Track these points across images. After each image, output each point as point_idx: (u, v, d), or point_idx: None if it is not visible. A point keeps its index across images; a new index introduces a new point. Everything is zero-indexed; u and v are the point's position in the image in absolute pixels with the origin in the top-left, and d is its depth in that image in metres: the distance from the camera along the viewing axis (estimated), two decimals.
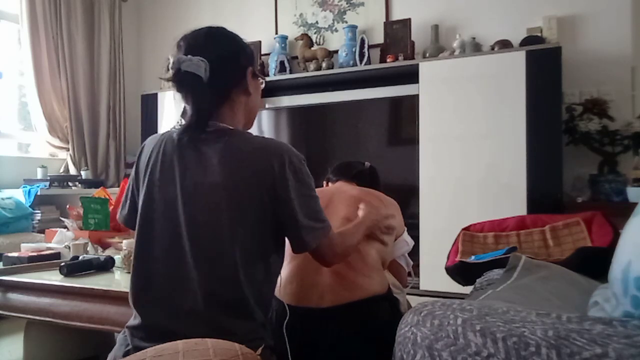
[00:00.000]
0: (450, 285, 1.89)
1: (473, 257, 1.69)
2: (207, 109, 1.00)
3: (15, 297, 1.65)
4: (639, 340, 0.56)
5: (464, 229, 1.94)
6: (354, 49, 3.55)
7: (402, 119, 3.55)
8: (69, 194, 3.59)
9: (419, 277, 3.07)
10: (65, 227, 2.32)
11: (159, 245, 1.00)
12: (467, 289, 1.58)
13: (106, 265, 1.75)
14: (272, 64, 3.86)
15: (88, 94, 4.18)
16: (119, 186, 3.89)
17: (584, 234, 1.63)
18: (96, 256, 1.80)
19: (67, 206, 2.48)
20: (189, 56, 0.97)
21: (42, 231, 3.02)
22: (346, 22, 3.83)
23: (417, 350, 0.71)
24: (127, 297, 1.03)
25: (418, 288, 3.05)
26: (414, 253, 2.00)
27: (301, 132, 3.98)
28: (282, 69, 3.80)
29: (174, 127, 1.06)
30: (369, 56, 3.52)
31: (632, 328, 0.59)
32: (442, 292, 2.75)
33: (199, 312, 0.95)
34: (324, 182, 1.68)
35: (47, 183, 3.53)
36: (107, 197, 2.35)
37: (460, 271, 1.70)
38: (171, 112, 4.11)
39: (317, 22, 3.99)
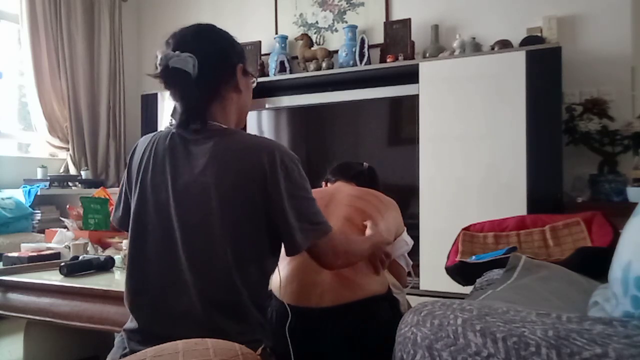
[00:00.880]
0: (450, 285, 1.89)
1: (473, 257, 1.69)
2: (197, 106, 0.99)
3: (15, 297, 1.65)
4: (639, 340, 0.56)
5: (464, 229, 1.94)
6: (354, 49, 3.55)
7: (402, 119, 3.55)
8: (69, 194, 3.59)
9: (419, 277, 3.07)
10: (65, 227, 2.32)
11: (153, 247, 0.99)
12: (467, 289, 1.58)
13: (106, 265, 1.75)
14: (272, 64, 3.86)
15: (88, 94, 4.18)
16: (119, 186, 3.88)
17: (584, 234, 1.63)
18: (96, 256, 1.80)
19: (67, 206, 2.48)
20: (177, 52, 0.96)
21: (42, 231, 3.02)
22: (346, 22, 3.83)
23: (417, 350, 0.71)
24: (124, 298, 1.03)
25: (418, 288, 3.05)
26: (414, 253, 2.01)
27: (301, 132, 3.98)
28: (282, 69, 3.80)
29: (167, 128, 1.05)
30: (369, 56, 3.52)
31: (632, 328, 0.59)
32: (442, 292, 2.75)
33: (194, 314, 0.94)
34: (323, 183, 1.67)
35: (47, 183, 3.53)
36: (107, 197, 2.36)
37: (460, 271, 1.70)
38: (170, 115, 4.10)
39: (317, 22, 3.99)
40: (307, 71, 3.73)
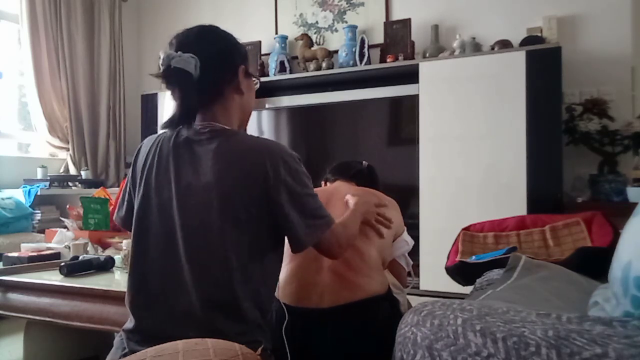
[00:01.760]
0: (450, 285, 1.89)
1: (473, 257, 1.69)
2: (191, 107, 0.99)
3: (15, 297, 1.65)
4: (639, 340, 0.56)
5: (464, 229, 1.94)
6: (354, 49, 3.55)
7: (402, 119, 3.55)
8: (69, 194, 3.59)
9: (419, 277, 3.07)
10: (65, 227, 2.32)
11: (155, 247, 0.99)
12: (467, 289, 1.58)
13: (106, 265, 1.75)
14: (272, 64, 3.86)
15: (88, 94, 4.18)
16: (119, 186, 3.88)
17: (584, 234, 1.63)
18: (96, 256, 1.80)
19: (67, 206, 2.48)
20: (179, 52, 0.96)
21: (42, 231, 3.02)
22: (346, 22, 3.83)
23: (417, 350, 0.71)
24: (125, 297, 1.03)
25: (418, 288, 3.05)
26: (414, 253, 2.00)
27: (301, 132, 3.98)
28: (282, 69, 3.80)
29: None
30: (369, 56, 3.52)
31: (632, 328, 0.59)
32: (442, 292, 2.75)
33: (193, 314, 0.94)
34: (323, 182, 1.67)
35: (47, 183, 3.53)
36: (107, 197, 2.35)
37: (460, 271, 1.70)
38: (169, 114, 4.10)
39: (317, 22, 3.99)
40: (307, 71, 3.73)
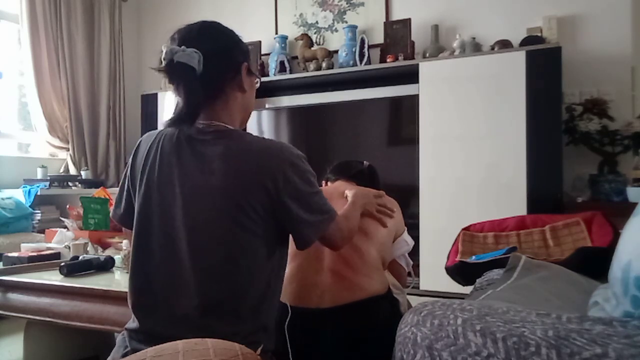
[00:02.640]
0: (450, 285, 1.89)
1: (473, 257, 1.69)
2: (198, 102, 0.97)
3: (15, 297, 1.65)
4: (639, 340, 0.56)
5: (464, 229, 1.94)
6: (354, 49, 3.55)
7: (402, 119, 3.54)
8: (69, 194, 3.59)
9: (419, 277, 3.07)
10: (65, 227, 2.32)
11: (157, 248, 0.98)
12: (467, 289, 1.58)
13: (106, 265, 1.75)
14: (272, 64, 3.86)
15: (88, 94, 4.18)
16: (119, 186, 3.88)
17: (584, 234, 1.63)
18: (96, 256, 1.80)
19: (67, 206, 2.48)
20: (183, 47, 0.95)
21: (42, 231, 3.02)
22: (346, 22, 3.83)
23: (417, 350, 0.71)
24: (127, 297, 1.02)
25: (418, 288, 3.05)
26: (414, 253, 2.00)
27: (301, 132, 3.98)
28: (282, 69, 3.80)
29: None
30: (369, 56, 3.52)
31: (632, 328, 0.59)
32: (442, 292, 2.75)
33: (197, 316, 0.93)
34: (323, 182, 1.67)
35: (47, 183, 3.53)
36: (107, 197, 2.36)
37: (460, 271, 1.70)
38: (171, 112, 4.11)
39: (317, 22, 3.99)
40: (307, 71, 3.73)
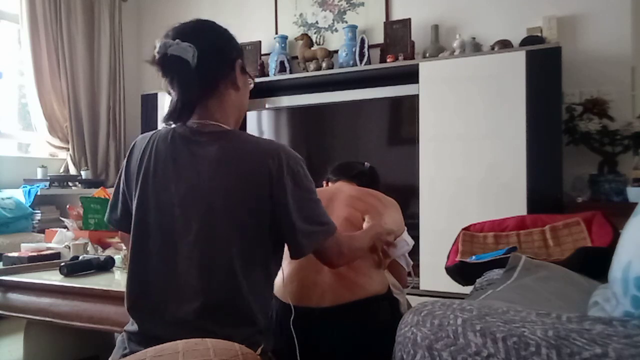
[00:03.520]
0: (450, 285, 1.89)
1: (473, 257, 1.69)
2: (193, 96, 0.96)
3: (15, 297, 1.65)
4: (639, 340, 0.56)
5: (464, 229, 1.94)
6: (354, 49, 3.55)
7: (402, 119, 3.54)
8: (69, 194, 3.59)
9: (419, 277, 3.07)
10: (65, 227, 2.32)
11: (155, 250, 0.97)
12: (467, 289, 1.58)
13: (106, 265, 1.75)
14: (272, 64, 3.86)
15: (88, 94, 4.18)
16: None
17: (584, 234, 1.63)
18: (96, 256, 1.80)
19: (67, 206, 2.48)
20: (177, 40, 0.94)
21: (42, 231, 3.02)
22: (346, 22, 3.83)
23: (417, 350, 0.71)
24: (124, 300, 1.02)
25: (418, 288, 3.05)
26: (414, 253, 2.00)
27: (301, 132, 3.98)
28: (282, 69, 3.80)
29: (164, 126, 1.02)
30: (369, 56, 3.52)
31: (632, 328, 0.59)
32: (442, 292, 2.75)
33: (195, 319, 0.93)
34: (324, 182, 1.68)
35: (47, 183, 3.53)
36: (107, 197, 2.35)
37: (460, 271, 1.70)
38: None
39: (317, 22, 3.99)
40: (307, 71, 3.73)
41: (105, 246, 2.09)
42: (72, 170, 3.98)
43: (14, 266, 1.80)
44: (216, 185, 0.94)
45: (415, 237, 2.94)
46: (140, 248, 0.99)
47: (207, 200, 0.94)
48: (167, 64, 0.95)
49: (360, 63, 3.51)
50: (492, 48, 3.14)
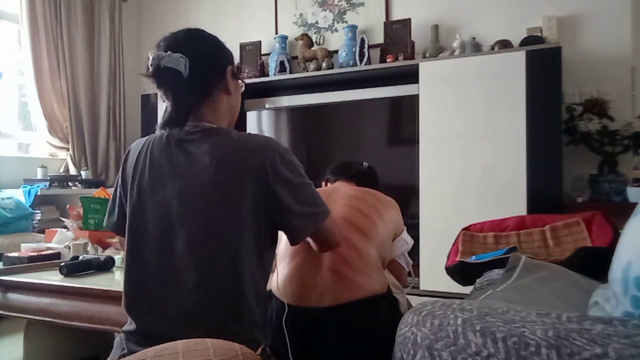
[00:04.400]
0: (450, 285, 1.89)
1: (473, 257, 1.69)
2: (187, 105, 1.00)
3: (15, 297, 1.65)
4: (639, 340, 0.56)
5: (464, 229, 1.93)
6: (354, 49, 3.55)
7: (402, 119, 3.54)
8: (69, 194, 3.59)
9: (419, 277, 3.07)
10: (65, 227, 2.32)
11: (151, 248, 0.99)
12: (467, 289, 1.58)
13: (106, 265, 1.75)
14: (272, 64, 3.86)
15: (88, 94, 4.18)
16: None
17: (584, 234, 1.63)
18: (96, 256, 1.80)
19: (67, 206, 2.48)
20: (169, 52, 0.97)
21: (42, 231, 3.02)
22: (346, 22, 3.83)
23: (417, 350, 0.71)
24: (122, 299, 1.03)
25: (418, 288, 3.05)
26: (414, 253, 2.00)
27: (301, 132, 3.98)
28: (282, 69, 3.80)
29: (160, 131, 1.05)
30: (369, 56, 3.52)
31: (632, 328, 0.59)
32: (442, 292, 2.75)
33: (194, 314, 0.94)
34: (323, 183, 1.67)
35: (47, 183, 3.53)
36: (107, 197, 2.36)
37: (460, 271, 1.70)
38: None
39: (317, 22, 3.99)
40: (307, 71, 3.73)
41: (105, 246, 2.09)
42: (72, 170, 3.98)
43: (14, 266, 1.80)
44: (212, 180, 0.96)
45: (415, 237, 2.94)
46: (136, 247, 1.01)
47: (204, 195, 0.96)
48: (161, 76, 0.99)
49: (360, 63, 3.51)
50: (492, 48, 3.14)
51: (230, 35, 4.20)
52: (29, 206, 3.31)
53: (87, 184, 3.80)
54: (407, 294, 1.58)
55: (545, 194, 2.82)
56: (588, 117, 2.91)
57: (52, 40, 3.87)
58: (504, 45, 3.10)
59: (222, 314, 0.95)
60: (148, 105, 4.28)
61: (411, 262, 1.62)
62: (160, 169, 1.00)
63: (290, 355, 1.15)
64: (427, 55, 3.36)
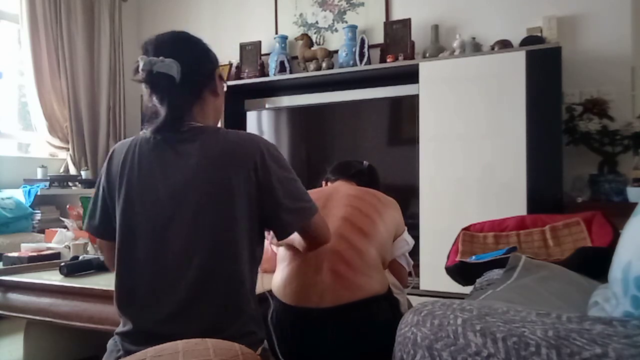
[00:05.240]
0: (450, 285, 1.89)
1: (473, 257, 1.69)
2: (181, 109, 1.02)
3: (15, 297, 1.65)
4: (639, 340, 0.56)
5: (464, 229, 1.93)
6: (354, 49, 3.55)
7: (402, 119, 3.54)
8: (69, 194, 3.59)
9: (419, 277, 3.07)
10: (65, 227, 2.32)
11: (142, 248, 0.99)
12: (467, 289, 1.58)
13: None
14: (272, 64, 3.86)
15: (88, 94, 4.17)
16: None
17: (584, 234, 1.63)
18: (96, 256, 1.80)
19: (67, 206, 2.48)
20: (161, 57, 0.98)
21: (42, 231, 3.02)
22: (346, 22, 3.83)
23: (417, 350, 0.71)
24: (114, 300, 1.03)
25: (418, 288, 3.05)
26: (414, 253, 2.00)
27: (301, 132, 3.98)
28: (282, 69, 3.80)
29: (144, 131, 1.05)
30: (369, 56, 3.52)
31: (632, 328, 0.59)
32: (442, 292, 2.75)
33: (189, 312, 0.95)
34: (323, 182, 1.67)
35: (47, 183, 3.53)
36: None
37: (460, 271, 1.70)
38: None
39: (317, 22, 3.99)
40: (307, 71, 3.73)
41: None
42: (72, 170, 3.98)
43: (14, 266, 1.80)
44: (203, 177, 0.98)
45: (415, 237, 2.92)
46: (127, 248, 1.01)
47: (196, 193, 0.98)
48: (154, 81, 1.00)
49: (360, 63, 3.51)
50: (492, 48, 3.14)
51: (230, 35, 4.20)
52: (29, 206, 3.31)
53: (87, 184, 3.80)
54: (407, 294, 1.58)
55: (545, 194, 2.82)
56: (588, 117, 2.91)
57: (52, 40, 3.87)
58: (504, 45, 3.10)
59: (216, 310, 0.96)
60: None
61: (412, 263, 1.62)
62: (150, 169, 1.01)
63: (291, 356, 1.15)
64: (427, 55, 3.36)
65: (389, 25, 3.58)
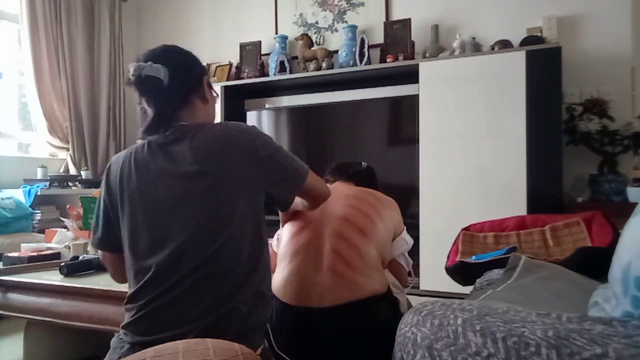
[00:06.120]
0: (450, 285, 1.89)
1: (473, 257, 1.69)
2: (168, 110, 1.06)
3: (15, 297, 1.65)
4: (639, 340, 0.56)
5: (464, 229, 1.93)
6: (354, 49, 3.55)
7: (402, 119, 3.54)
8: (69, 194, 3.59)
9: (419, 277, 3.07)
10: (65, 227, 2.32)
11: (146, 249, 1.01)
12: (467, 289, 1.58)
13: None
14: (272, 64, 3.86)
15: (88, 94, 4.17)
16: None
17: (584, 234, 1.63)
18: (96, 256, 1.80)
19: (67, 206, 2.48)
20: (149, 62, 1.03)
21: (42, 231, 3.02)
22: (346, 22, 3.83)
23: (417, 350, 0.71)
24: (125, 300, 1.04)
25: (418, 288, 3.05)
26: (414, 253, 2.00)
27: (301, 132, 3.98)
28: (282, 69, 3.80)
29: (138, 141, 1.10)
30: (369, 56, 3.52)
31: (632, 328, 0.59)
32: (442, 292, 2.75)
33: (189, 310, 0.95)
34: None
35: (47, 183, 3.53)
36: None
37: (460, 271, 1.70)
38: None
39: (317, 22, 3.99)
40: (307, 71, 3.73)
41: None
42: (72, 170, 3.98)
43: (14, 266, 1.80)
44: (198, 170, 1.00)
45: (415, 237, 2.94)
46: (135, 250, 1.03)
47: (193, 188, 1.00)
48: (143, 84, 1.05)
49: (360, 63, 3.51)
50: (492, 48, 3.14)
51: (230, 35, 4.20)
52: (29, 206, 3.31)
53: (87, 184, 3.80)
54: (407, 294, 1.58)
55: (545, 194, 2.82)
56: (588, 117, 2.91)
57: (52, 40, 3.87)
58: (504, 45, 3.10)
59: (220, 307, 0.96)
60: None
61: (411, 262, 1.62)
62: (147, 172, 1.04)
63: (291, 356, 1.15)
64: (427, 55, 3.36)
65: (389, 25, 3.58)
